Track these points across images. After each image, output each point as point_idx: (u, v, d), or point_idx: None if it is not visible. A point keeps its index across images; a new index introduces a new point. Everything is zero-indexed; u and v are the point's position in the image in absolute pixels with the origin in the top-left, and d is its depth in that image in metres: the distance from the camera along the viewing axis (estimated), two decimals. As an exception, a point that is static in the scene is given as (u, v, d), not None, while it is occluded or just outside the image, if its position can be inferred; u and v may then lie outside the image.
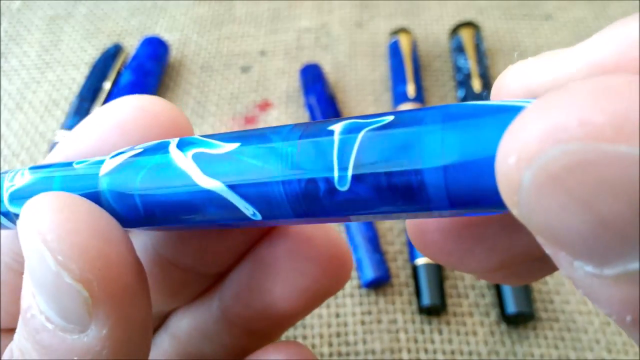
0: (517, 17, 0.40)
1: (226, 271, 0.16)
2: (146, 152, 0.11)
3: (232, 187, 0.09)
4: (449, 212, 0.08)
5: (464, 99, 0.33)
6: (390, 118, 0.08)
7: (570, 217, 0.06)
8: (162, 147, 0.11)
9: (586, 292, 0.07)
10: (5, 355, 0.11)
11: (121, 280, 0.10)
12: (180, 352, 0.17)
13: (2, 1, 0.44)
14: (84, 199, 0.10)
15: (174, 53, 0.39)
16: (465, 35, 0.36)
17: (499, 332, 0.25)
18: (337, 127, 0.09)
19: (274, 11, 0.42)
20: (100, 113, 0.13)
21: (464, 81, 0.34)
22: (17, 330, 0.11)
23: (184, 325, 0.17)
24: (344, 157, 0.08)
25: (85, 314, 0.10)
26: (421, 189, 0.08)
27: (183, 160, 0.10)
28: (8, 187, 0.12)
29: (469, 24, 0.36)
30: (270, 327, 0.16)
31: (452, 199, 0.08)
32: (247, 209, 0.10)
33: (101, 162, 0.11)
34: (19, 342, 0.11)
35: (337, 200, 0.09)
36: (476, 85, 0.33)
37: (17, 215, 0.12)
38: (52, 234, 0.09)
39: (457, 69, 0.35)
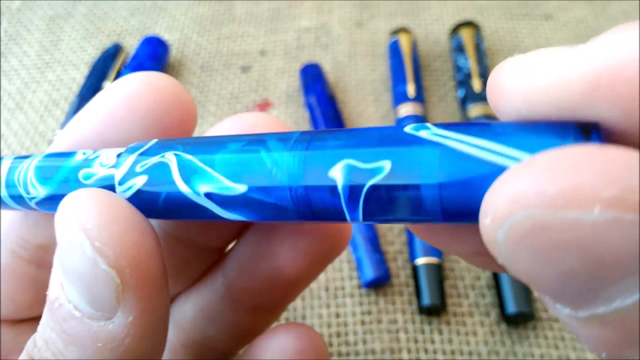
0: (518, 17, 0.40)
1: (228, 245, 0.16)
2: (151, 179, 0.11)
3: (253, 218, 0.11)
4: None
5: (464, 98, 0.33)
6: (387, 166, 0.09)
7: (540, 270, 0.07)
8: (164, 171, 0.11)
9: (571, 330, 0.08)
10: (28, 347, 0.12)
11: (150, 270, 0.11)
12: (184, 341, 0.17)
13: (2, 1, 0.44)
14: (118, 195, 0.11)
15: (173, 53, 0.39)
16: (466, 35, 0.36)
17: (499, 332, 0.25)
18: (338, 177, 0.09)
19: (274, 11, 0.42)
20: (110, 88, 0.14)
21: (464, 81, 0.34)
22: (41, 322, 0.11)
23: (188, 310, 0.17)
24: (352, 207, 0.09)
25: (114, 301, 0.10)
26: (422, 221, 0.09)
27: (197, 198, 0.11)
28: (30, 198, 0.13)
29: (469, 24, 0.36)
30: (274, 298, 0.16)
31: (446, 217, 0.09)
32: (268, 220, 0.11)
33: (111, 179, 0.12)
34: (43, 333, 0.11)
35: (348, 222, 0.10)
36: (476, 85, 0.33)
37: (31, 200, 0.13)
38: (91, 222, 0.10)
39: (457, 69, 0.35)
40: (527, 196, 0.06)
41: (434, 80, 0.36)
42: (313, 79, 0.35)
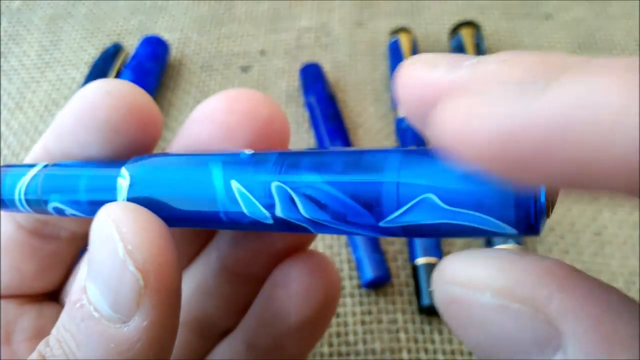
0: (518, 17, 0.40)
1: None
2: None
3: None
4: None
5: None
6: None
7: (461, 335, 0.09)
8: None
9: None
10: (39, 347, 0.12)
11: (171, 279, 0.11)
12: (184, 318, 0.17)
13: (2, 1, 0.44)
14: (150, 211, 0.12)
15: (173, 52, 0.39)
16: (466, 35, 0.36)
17: (499, 332, 0.25)
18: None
19: (274, 11, 0.42)
20: (73, 101, 0.14)
21: (464, 81, 0.34)
22: (56, 325, 0.12)
23: (185, 289, 0.17)
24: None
25: (133, 304, 0.11)
26: None
27: None
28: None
29: (469, 24, 0.36)
30: (268, 266, 0.16)
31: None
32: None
33: None
34: (57, 333, 0.12)
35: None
36: (476, 84, 0.33)
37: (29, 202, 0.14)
38: (127, 227, 0.11)
39: (457, 69, 0.35)
40: (444, 274, 0.09)
41: (434, 80, 0.36)
42: (313, 79, 0.35)
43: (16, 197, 0.14)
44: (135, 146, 0.15)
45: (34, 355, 0.12)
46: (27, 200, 0.14)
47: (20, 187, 0.14)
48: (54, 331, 0.12)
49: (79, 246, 0.17)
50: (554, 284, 0.07)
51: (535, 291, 0.07)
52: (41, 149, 0.15)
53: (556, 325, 0.07)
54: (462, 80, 0.09)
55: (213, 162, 0.12)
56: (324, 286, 0.15)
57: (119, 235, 0.11)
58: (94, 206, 0.13)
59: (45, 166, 0.14)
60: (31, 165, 0.15)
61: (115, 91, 0.14)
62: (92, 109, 0.14)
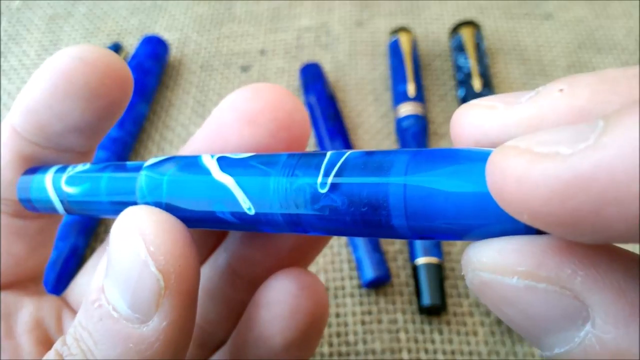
0: (518, 16, 0.40)
1: None
2: None
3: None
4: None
5: (464, 98, 0.33)
6: None
7: (496, 312, 0.09)
8: None
9: None
10: (56, 345, 0.12)
11: (191, 282, 0.12)
12: None
13: (2, 1, 0.44)
14: (172, 215, 0.12)
15: (173, 52, 0.39)
16: (466, 35, 0.35)
17: (499, 332, 0.25)
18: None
19: (274, 10, 0.42)
20: (45, 67, 0.14)
21: (464, 80, 0.34)
22: (73, 324, 0.12)
23: None
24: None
25: (153, 305, 0.11)
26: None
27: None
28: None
29: (469, 23, 0.36)
30: (273, 269, 0.16)
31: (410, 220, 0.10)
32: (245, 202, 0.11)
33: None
34: (75, 332, 0.12)
35: (317, 206, 0.10)
36: (476, 84, 0.33)
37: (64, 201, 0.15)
38: (149, 229, 0.11)
39: (458, 68, 0.35)
40: (474, 262, 0.09)
41: (434, 79, 0.36)
42: (313, 79, 0.35)
43: (53, 199, 0.15)
44: (112, 106, 0.15)
45: (51, 353, 0.12)
46: (61, 202, 0.15)
47: (51, 191, 0.15)
48: (71, 330, 0.12)
49: (61, 219, 0.18)
50: (575, 261, 0.08)
51: (558, 270, 0.08)
52: (10, 132, 0.15)
53: (582, 299, 0.08)
54: (522, 120, 0.09)
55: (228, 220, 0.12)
56: (309, 308, 0.15)
57: (142, 237, 0.11)
58: (116, 207, 0.13)
59: (62, 169, 0.15)
60: (47, 168, 0.15)
61: (88, 56, 0.14)
62: (67, 77, 0.14)
